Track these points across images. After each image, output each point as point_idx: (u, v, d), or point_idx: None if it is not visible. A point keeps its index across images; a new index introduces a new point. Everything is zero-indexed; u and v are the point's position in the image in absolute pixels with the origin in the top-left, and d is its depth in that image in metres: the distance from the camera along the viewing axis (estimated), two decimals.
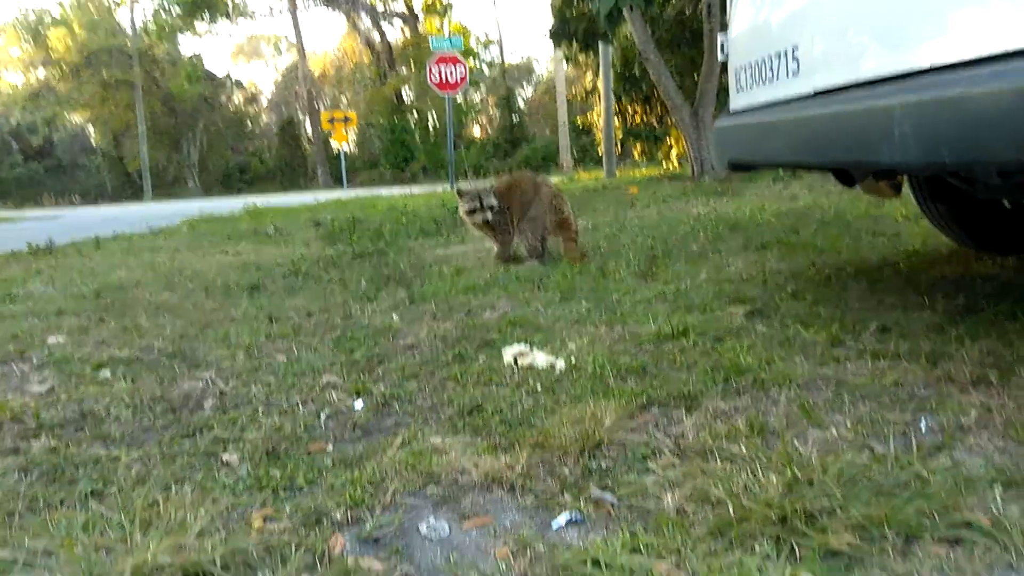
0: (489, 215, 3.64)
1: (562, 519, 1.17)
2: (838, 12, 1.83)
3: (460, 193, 3.77)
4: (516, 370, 1.94)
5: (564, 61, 17.23)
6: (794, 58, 2.00)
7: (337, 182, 26.37)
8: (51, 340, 2.52)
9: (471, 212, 3.68)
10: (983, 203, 2.80)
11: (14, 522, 1.23)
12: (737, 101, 2.47)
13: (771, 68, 2.14)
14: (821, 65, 1.88)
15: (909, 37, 1.54)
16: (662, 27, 10.22)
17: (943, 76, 1.39)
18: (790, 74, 2.02)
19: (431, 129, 31.81)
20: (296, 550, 1.11)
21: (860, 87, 1.67)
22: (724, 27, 2.67)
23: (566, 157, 24.32)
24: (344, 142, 24.45)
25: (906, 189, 2.98)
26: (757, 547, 1.03)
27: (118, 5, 32.13)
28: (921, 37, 1.50)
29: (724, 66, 2.84)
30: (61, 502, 1.30)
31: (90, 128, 34.94)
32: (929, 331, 1.98)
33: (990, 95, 1.26)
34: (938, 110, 1.37)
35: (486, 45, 33.62)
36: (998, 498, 1.12)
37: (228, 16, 31.23)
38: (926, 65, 1.46)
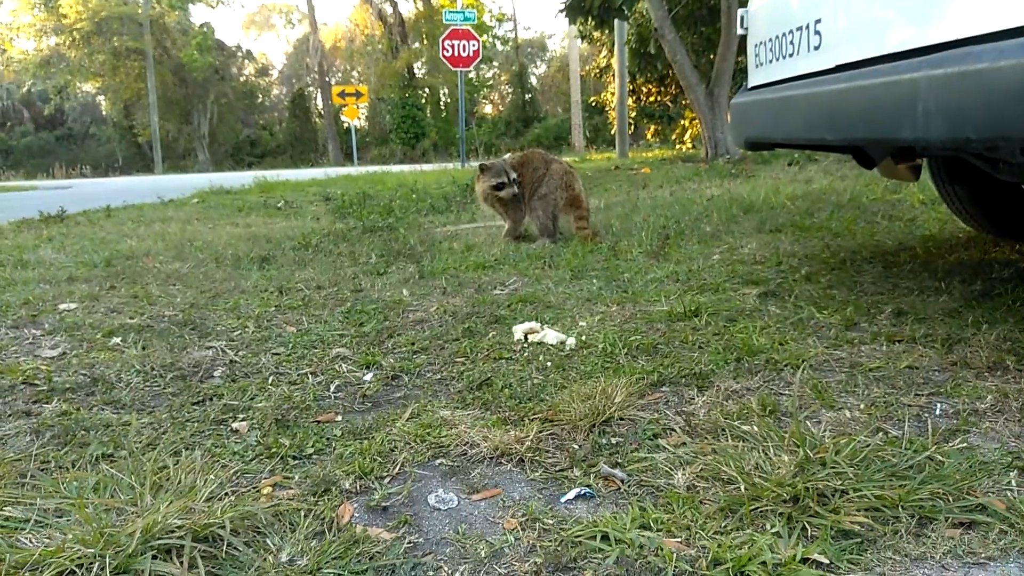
0: (516, 189, 3.60)
1: (571, 493, 1.17)
2: None
3: (484, 168, 3.71)
4: (526, 346, 1.94)
5: (578, 38, 17.04)
6: (816, 32, 1.96)
7: (347, 158, 26.30)
8: (63, 306, 2.53)
9: (498, 187, 3.62)
10: (1002, 188, 2.76)
11: (26, 482, 1.24)
12: (755, 77, 2.43)
13: (792, 42, 2.11)
14: (844, 39, 1.84)
15: (935, 9, 1.50)
16: (679, 3, 10.06)
17: (969, 49, 1.35)
18: (811, 48, 1.98)
19: (442, 105, 31.65)
20: (305, 517, 1.11)
21: (883, 61, 1.64)
22: (744, 2, 2.63)
23: (578, 137, 24.15)
24: (355, 118, 24.36)
25: (924, 176, 2.93)
26: (768, 526, 1.03)
27: None
28: (947, 9, 1.46)
29: (741, 45, 2.80)
30: (73, 464, 1.31)
31: (101, 98, 34.93)
32: (945, 316, 1.96)
33: (1018, 68, 1.23)
34: (963, 84, 1.34)
35: (500, 20, 33.27)
36: (1013, 483, 1.11)
37: None
38: (952, 38, 1.42)
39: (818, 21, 1.96)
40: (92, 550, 0.99)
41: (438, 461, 1.31)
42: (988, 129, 1.32)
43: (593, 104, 20.16)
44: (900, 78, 1.51)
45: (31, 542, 1.04)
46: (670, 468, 1.22)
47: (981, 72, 1.30)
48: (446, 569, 1.01)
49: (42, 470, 1.30)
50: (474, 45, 12.38)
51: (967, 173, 2.78)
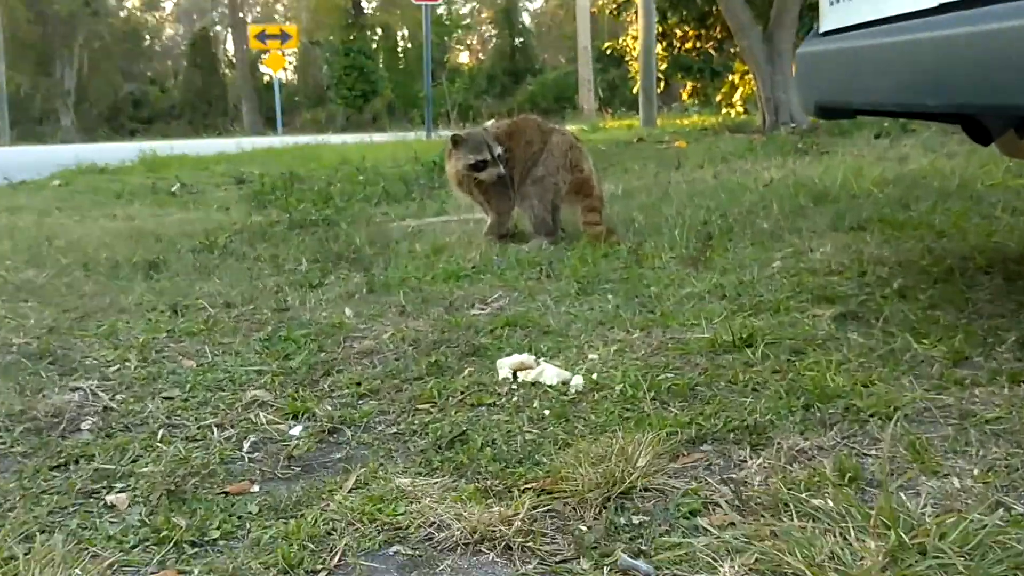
0: (503, 169, 3.60)
1: None
2: None
3: (457, 140, 3.71)
4: (515, 388, 1.95)
5: None
6: None
7: (269, 124, 26.36)
8: None
9: (478, 166, 3.62)
10: None
11: None
12: (830, 18, 2.46)
13: None
14: None
15: None
16: None
17: None
18: None
19: (401, 52, 31.81)
20: None
21: None
22: None
23: (588, 97, 24.33)
24: (280, 69, 24.43)
25: None
26: None
27: None
28: None
29: None
30: None
31: None
32: None
33: None
34: None
35: None
36: None
37: None
38: None
39: None
40: None
41: (393, 549, 1.31)
42: None
43: (609, 53, 20.30)
44: None
45: None
46: (713, 558, 1.22)
47: None
48: None
49: None
50: None
51: None
